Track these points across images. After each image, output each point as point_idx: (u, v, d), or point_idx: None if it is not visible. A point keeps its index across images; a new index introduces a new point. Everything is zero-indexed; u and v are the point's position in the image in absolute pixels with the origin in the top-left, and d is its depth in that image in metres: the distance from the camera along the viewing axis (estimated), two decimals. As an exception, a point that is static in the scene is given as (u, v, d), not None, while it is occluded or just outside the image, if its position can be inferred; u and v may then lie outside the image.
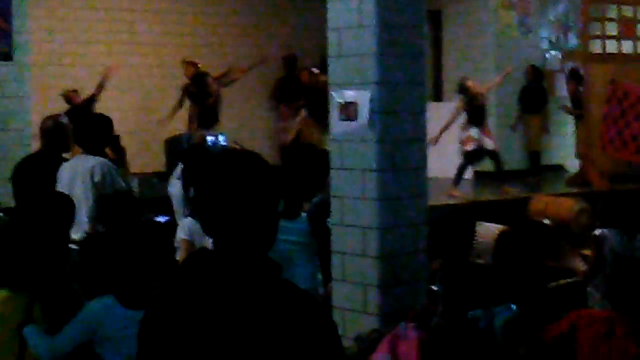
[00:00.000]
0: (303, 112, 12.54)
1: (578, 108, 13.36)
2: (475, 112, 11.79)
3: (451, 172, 11.84)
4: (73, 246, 6.09)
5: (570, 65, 14.31)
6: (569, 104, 13.98)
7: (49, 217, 4.81)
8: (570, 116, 14.21)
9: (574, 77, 13.55)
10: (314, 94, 12.08)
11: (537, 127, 13.95)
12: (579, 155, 13.51)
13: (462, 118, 11.90)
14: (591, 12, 13.39)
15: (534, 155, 13.99)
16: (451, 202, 10.79)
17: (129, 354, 4.19)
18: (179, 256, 6.47)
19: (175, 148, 10.97)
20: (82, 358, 4.29)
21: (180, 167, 7.56)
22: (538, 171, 13.80)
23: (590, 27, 13.39)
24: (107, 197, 6.00)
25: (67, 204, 5.24)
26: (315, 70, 12.67)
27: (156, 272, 4.37)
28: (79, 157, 6.66)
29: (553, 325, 4.57)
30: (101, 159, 6.52)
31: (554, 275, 6.18)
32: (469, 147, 11.69)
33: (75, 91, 12.52)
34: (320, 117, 11.75)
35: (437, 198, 10.26)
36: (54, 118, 7.30)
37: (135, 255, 4.32)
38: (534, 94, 13.96)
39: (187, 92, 12.90)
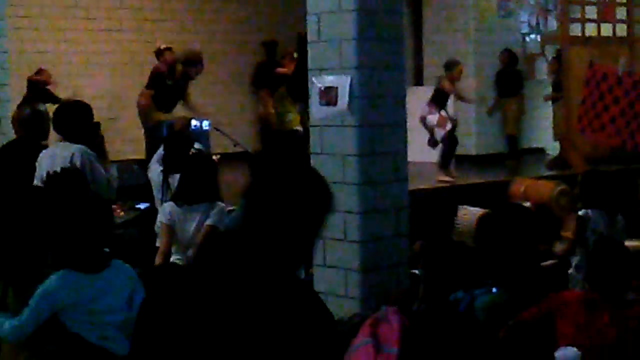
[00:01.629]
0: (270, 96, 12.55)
1: (558, 90, 13.38)
2: (442, 95, 11.78)
3: (422, 157, 11.82)
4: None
5: (555, 47, 14.31)
6: (549, 87, 14.00)
7: (22, 208, 4.80)
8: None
9: (559, 59, 13.54)
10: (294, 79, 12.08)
11: (513, 111, 13.97)
12: (557, 138, 13.54)
13: (427, 102, 11.84)
14: (570, -5, 13.42)
15: (511, 139, 14.02)
16: (432, 186, 10.79)
17: (90, 319, 4.30)
18: (159, 241, 6.47)
19: (155, 134, 10.91)
20: (49, 331, 4.31)
21: (160, 152, 7.54)
22: (516, 155, 13.83)
23: (569, 10, 13.41)
24: (53, 176, 5.96)
25: (41, 196, 5.24)
26: (295, 56, 12.64)
27: (103, 240, 4.43)
28: (58, 144, 6.63)
29: (533, 307, 4.59)
30: (81, 146, 6.49)
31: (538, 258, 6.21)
32: (448, 126, 11.64)
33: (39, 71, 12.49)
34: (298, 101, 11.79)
35: (416, 182, 10.28)
36: (31, 106, 7.26)
37: (83, 227, 4.35)
38: (509, 77, 13.98)
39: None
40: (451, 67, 11.83)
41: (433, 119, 11.66)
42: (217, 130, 11.34)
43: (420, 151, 11.63)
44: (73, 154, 6.38)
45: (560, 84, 13.32)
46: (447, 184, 10.93)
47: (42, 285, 4.35)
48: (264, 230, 2.54)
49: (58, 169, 6.26)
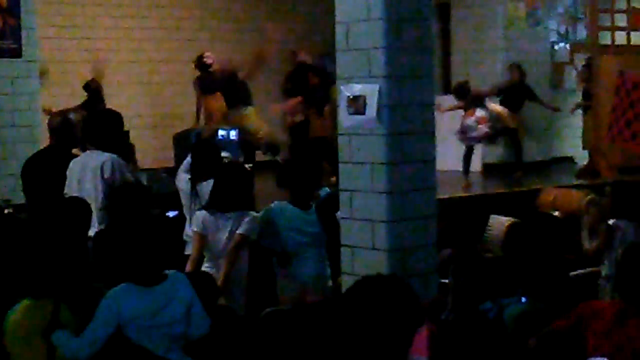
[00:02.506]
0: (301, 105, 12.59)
1: (588, 99, 13.28)
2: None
3: (456, 165, 11.82)
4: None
5: (584, 56, 14.21)
6: (577, 96, 13.90)
7: (66, 221, 4.83)
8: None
9: (589, 68, 13.42)
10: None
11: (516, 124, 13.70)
12: (587, 147, 13.45)
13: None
14: (600, 3, 13.35)
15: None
16: (461, 194, 10.77)
17: (154, 331, 4.33)
18: (191, 249, 6.48)
19: (184, 143, 10.97)
20: (115, 346, 4.32)
21: (188, 160, 7.56)
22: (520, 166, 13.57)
23: (599, 18, 13.35)
24: (116, 190, 6.04)
25: (83, 208, 5.28)
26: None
27: (166, 259, 4.46)
28: (89, 153, 6.68)
29: (563, 317, 4.57)
30: (112, 155, 6.54)
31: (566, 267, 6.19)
32: (485, 126, 11.67)
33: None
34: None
35: (445, 191, 10.26)
36: (62, 114, 7.32)
37: (146, 242, 4.38)
38: (516, 92, 13.62)
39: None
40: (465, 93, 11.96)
41: (468, 120, 11.70)
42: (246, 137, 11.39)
43: (449, 160, 11.64)
44: (104, 163, 6.43)
45: (590, 93, 13.23)
46: (470, 192, 10.92)
47: (105, 300, 4.37)
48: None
49: (89, 177, 6.32)
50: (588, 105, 13.29)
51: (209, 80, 12.48)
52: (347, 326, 2.99)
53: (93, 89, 12.80)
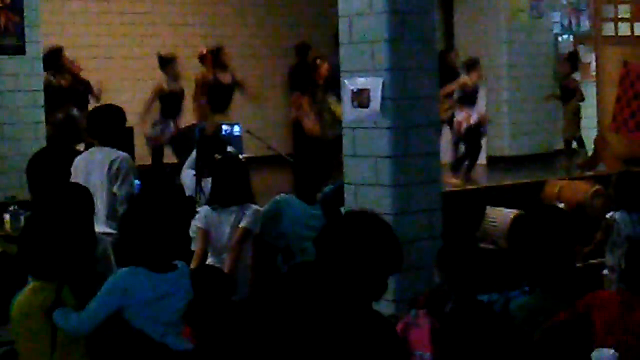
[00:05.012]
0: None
1: (565, 93, 13.19)
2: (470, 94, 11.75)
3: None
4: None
5: (585, 47, 14.20)
6: (583, 88, 13.87)
7: (69, 207, 4.82)
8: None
9: (571, 60, 13.40)
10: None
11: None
12: (565, 137, 13.38)
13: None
14: (603, -6, 13.34)
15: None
16: (463, 187, 10.76)
17: (154, 316, 4.32)
18: (195, 245, 6.49)
19: (187, 138, 10.95)
20: (112, 327, 4.33)
21: (193, 156, 7.58)
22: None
23: (602, 9, 13.32)
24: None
25: (85, 194, 5.28)
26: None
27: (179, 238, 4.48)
28: (94, 149, 6.69)
29: (568, 308, 4.57)
30: (124, 153, 6.57)
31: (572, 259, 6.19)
32: (472, 121, 11.61)
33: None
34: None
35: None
36: (64, 111, 7.33)
37: (169, 227, 4.39)
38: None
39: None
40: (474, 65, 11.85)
41: (459, 115, 11.68)
42: (249, 133, 11.36)
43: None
44: (114, 160, 6.44)
45: (568, 87, 13.12)
46: (458, 187, 10.87)
47: (112, 279, 4.38)
48: (338, 274, 3.16)
49: (95, 173, 6.33)
50: (566, 97, 13.17)
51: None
52: (327, 261, 3.14)
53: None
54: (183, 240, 4.61)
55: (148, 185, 5.92)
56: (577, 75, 13.63)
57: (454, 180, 11.30)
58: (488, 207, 8.21)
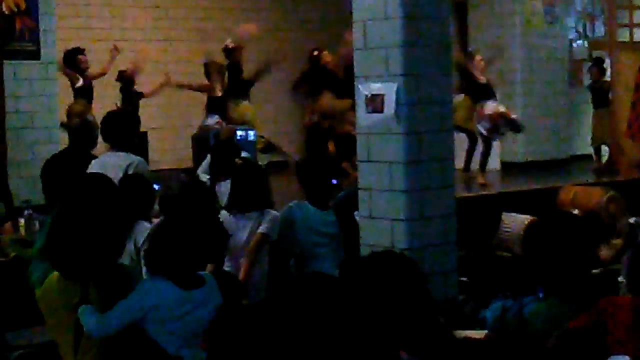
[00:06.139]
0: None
1: (598, 97, 13.17)
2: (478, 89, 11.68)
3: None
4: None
5: (595, 54, 14.18)
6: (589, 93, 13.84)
7: (95, 202, 4.74)
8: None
9: (598, 65, 13.37)
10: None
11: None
12: (595, 144, 13.34)
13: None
14: (618, 0, 13.30)
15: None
16: (477, 193, 10.74)
17: (173, 332, 4.29)
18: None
19: (203, 143, 10.99)
20: (130, 336, 4.31)
21: (207, 161, 7.59)
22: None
23: (617, 15, 13.29)
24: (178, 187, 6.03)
25: (109, 186, 5.16)
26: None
27: (208, 256, 4.46)
28: (110, 153, 6.70)
29: (583, 314, 4.55)
30: (139, 158, 6.58)
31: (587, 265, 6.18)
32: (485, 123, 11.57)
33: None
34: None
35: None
36: (80, 116, 7.35)
37: (196, 240, 4.36)
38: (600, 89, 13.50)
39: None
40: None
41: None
42: (262, 138, 11.39)
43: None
44: (130, 164, 6.45)
45: (600, 90, 13.10)
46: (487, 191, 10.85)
47: (142, 290, 4.33)
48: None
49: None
50: (598, 103, 13.17)
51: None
52: (355, 303, 3.12)
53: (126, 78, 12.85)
54: (211, 253, 4.58)
55: (185, 195, 5.86)
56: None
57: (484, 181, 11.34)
58: (504, 213, 8.18)
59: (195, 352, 4.39)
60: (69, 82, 11.77)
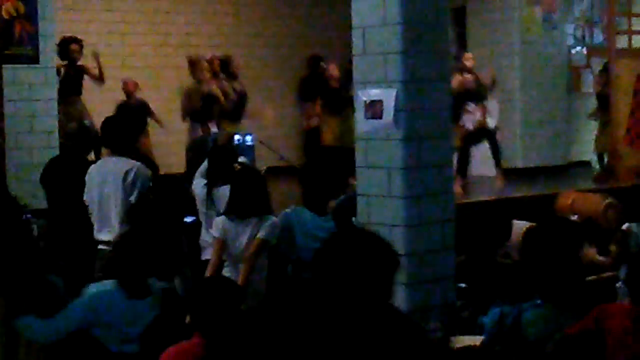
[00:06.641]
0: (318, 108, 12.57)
1: (603, 104, 13.19)
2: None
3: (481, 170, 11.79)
4: (103, 247, 6.15)
5: (601, 61, 14.16)
6: (594, 100, 13.84)
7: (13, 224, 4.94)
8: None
9: (606, 72, 13.34)
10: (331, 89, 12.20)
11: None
12: (598, 150, 13.35)
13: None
14: (617, 7, 13.32)
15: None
16: (482, 199, 10.73)
17: (124, 338, 4.50)
18: (207, 255, 6.49)
19: (200, 148, 10.97)
20: (78, 341, 4.40)
21: (205, 166, 7.58)
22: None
23: (616, 22, 13.31)
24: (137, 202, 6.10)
25: (12, 201, 5.41)
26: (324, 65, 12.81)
27: (165, 268, 4.56)
28: (109, 158, 6.70)
29: (580, 321, 4.56)
30: (138, 163, 6.58)
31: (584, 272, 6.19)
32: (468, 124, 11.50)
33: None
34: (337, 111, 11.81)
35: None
36: (77, 121, 7.36)
37: (154, 251, 4.46)
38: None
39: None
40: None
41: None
42: (262, 143, 11.39)
43: (479, 164, 11.65)
44: (129, 170, 6.45)
45: (606, 97, 13.13)
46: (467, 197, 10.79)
47: (88, 297, 4.52)
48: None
49: (110, 183, 6.35)
50: (603, 109, 13.18)
51: None
52: (326, 282, 3.08)
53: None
54: (158, 264, 4.69)
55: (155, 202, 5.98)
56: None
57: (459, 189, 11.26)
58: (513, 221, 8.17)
59: (133, 346, 4.56)
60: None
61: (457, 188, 11.07)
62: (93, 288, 4.62)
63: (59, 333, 4.40)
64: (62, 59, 11.67)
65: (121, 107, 12.36)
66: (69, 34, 12.29)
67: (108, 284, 4.62)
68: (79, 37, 12.36)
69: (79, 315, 4.47)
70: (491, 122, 11.76)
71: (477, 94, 11.61)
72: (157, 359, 4.10)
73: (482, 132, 11.60)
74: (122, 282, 4.52)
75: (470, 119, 11.40)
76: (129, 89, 12.99)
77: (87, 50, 12.61)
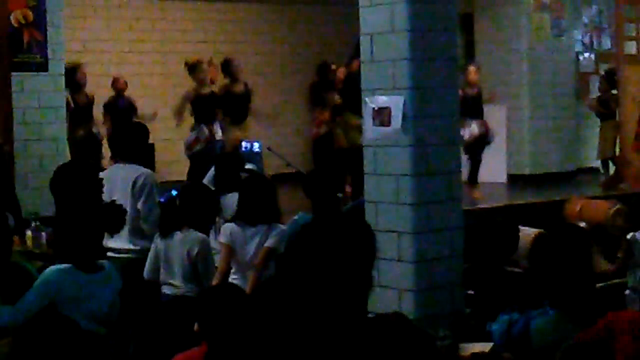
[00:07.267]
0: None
1: (606, 109, 13.11)
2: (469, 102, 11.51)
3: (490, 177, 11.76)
4: (112, 254, 6.16)
5: (605, 66, 14.15)
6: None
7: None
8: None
9: (609, 79, 13.33)
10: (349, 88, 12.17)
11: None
12: (601, 157, 13.30)
13: None
14: (625, 13, 13.29)
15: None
16: (489, 206, 10.72)
17: (88, 312, 4.79)
18: (218, 260, 6.47)
19: (206, 155, 10.97)
20: (48, 320, 4.47)
21: (212, 172, 7.59)
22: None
23: (624, 28, 13.28)
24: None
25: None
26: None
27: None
28: (117, 165, 6.71)
29: (590, 328, 4.54)
30: (147, 170, 6.59)
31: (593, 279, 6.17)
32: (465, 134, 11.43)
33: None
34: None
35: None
36: (85, 128, 7.38)
37: (93, 231, 5.02)
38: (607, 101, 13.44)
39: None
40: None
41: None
42: (270, 150, 11.39)
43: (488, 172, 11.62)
44: (138, 177, 6.46)
45: (607, 103, 13.05)
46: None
47: (47, 275, 4.84)
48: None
49: (119, 190, 6.37)
50: (605, 114, 13.10)
51: None
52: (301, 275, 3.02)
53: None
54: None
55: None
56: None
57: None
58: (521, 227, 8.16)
59: (99, 327, 4.87)
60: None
61: (476, 194, 11.12)
62: (49, 270, 4.93)
63: (24, 314, 4.66)
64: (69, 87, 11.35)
65: (109, 106, 12.33)
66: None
67: (64, 265, 4.95)
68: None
69: (39, 294, 4.76)
70: (491, 136, 11.75)
71: (474, 109, 11.59)
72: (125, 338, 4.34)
73: (475, 144, 11.57)
74: (76, 259, 4.88)
75: (468, 132, 11.36)
76: (119, 86, 12.89)
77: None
